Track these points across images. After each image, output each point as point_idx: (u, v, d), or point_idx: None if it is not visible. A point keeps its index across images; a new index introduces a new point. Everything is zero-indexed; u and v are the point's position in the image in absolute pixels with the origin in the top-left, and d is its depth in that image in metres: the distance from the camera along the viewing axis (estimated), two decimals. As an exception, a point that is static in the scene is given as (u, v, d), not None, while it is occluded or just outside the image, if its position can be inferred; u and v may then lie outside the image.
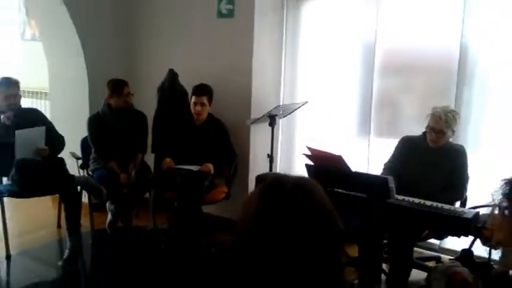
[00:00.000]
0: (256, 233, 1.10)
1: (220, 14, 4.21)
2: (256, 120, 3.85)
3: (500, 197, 1.08)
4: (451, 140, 3.30)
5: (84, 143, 4.13)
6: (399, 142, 3.44)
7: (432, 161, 3.21)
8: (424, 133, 3.28)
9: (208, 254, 3.82)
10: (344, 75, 4.12)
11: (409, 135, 3.44)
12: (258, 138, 4.22)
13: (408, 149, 3.36)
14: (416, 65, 3.87)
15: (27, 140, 3.54)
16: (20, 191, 3.57)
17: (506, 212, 1.06)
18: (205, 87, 3.92)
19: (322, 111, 4.22)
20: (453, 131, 3.19)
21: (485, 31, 3.52)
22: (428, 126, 3.21)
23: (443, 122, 3.12)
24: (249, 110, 4.16)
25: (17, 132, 3.46)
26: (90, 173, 4.06)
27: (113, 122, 3.97)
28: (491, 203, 1.11)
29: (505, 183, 1.08)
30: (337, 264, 1.15)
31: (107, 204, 4.07)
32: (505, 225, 1.06)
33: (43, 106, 5.55)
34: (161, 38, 4.60)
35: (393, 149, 3.45)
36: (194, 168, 3.76)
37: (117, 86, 3.93)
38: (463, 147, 3.35)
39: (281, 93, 4.42)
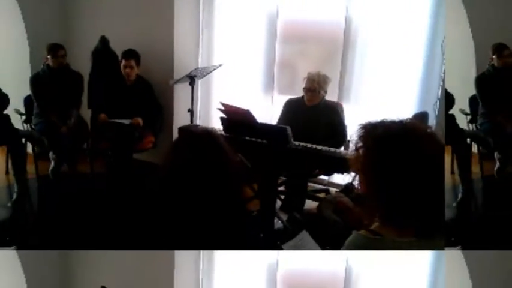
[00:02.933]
0: (173, 168, 1.30)
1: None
2: (178, 81, 4.10)
3: (356, 138, 1.24)
4: (327, 98, 3.79)
5: (27, 101, 4.38)
6: (284, 105, 3.83)
7: (311, 117, 3.64)
8: (303, 95, 3.77)
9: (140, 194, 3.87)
10: (252, 40, 4.55)
11: (292, 97, 3.88)
12: (181, 95, 4.50)
13: (291, 109, 3.77)
14: (310, 35, 4.39)
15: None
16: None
17: (360, 151, 1.23)
18: (133, 51, 4.28)
19: (236, 72, 4.62)
20: (325, 91, 3.69)
21: (366, 5, 4.02)
22: (304, 88, 3.72)
23: (316, 83, 3.60)
24: (172, 72, 4.51)
25: None
26: (33, 126, 4.32)
27: (51, 79, 4.23)
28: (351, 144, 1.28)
29: (361, 127, 1.24)
30: (236, 194, 1.33)
31: (50, 153, 4.34)
32: (359, 161, 1.23)
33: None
34: (96, 10, 4.83)
35: (280, 111, 3.86)
36: (126, 121, 4.06)
37: (53, 48, 4.25)
38: (337, 103, 3.82)
39: (199, 57, 4.80)
